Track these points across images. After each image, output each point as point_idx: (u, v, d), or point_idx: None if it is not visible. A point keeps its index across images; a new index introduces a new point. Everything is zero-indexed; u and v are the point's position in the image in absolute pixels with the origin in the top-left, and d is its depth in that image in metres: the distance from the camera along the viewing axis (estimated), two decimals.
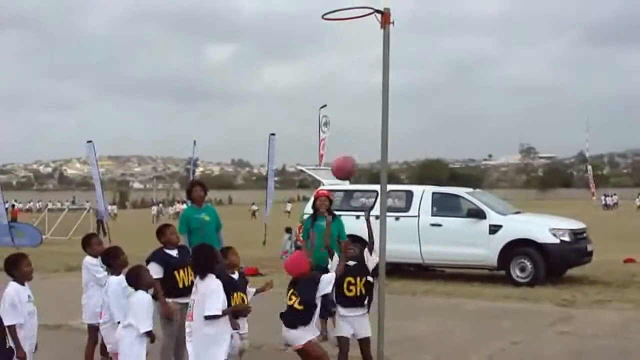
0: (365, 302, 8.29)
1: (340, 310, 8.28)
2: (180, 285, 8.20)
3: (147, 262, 8.24)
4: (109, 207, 39.25)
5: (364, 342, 8.30)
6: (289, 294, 7.72)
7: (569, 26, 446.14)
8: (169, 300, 8.15)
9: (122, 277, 7.65)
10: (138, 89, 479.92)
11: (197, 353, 6.64)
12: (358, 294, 8.19)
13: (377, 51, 8.38)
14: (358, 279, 8.21)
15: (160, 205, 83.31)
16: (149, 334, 6.97)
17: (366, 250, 8.39)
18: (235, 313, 7.30)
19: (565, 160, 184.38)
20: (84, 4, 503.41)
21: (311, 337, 7.58)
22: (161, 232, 8.54)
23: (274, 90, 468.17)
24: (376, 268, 8.37)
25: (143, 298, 7.06)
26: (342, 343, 8.27)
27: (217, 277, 6.89)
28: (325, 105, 30.96)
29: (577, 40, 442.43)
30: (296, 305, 7.59)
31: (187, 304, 7.98)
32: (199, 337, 6.64)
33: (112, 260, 7.98)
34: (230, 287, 7.53)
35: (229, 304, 7.13)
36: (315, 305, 7.60)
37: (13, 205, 52.90)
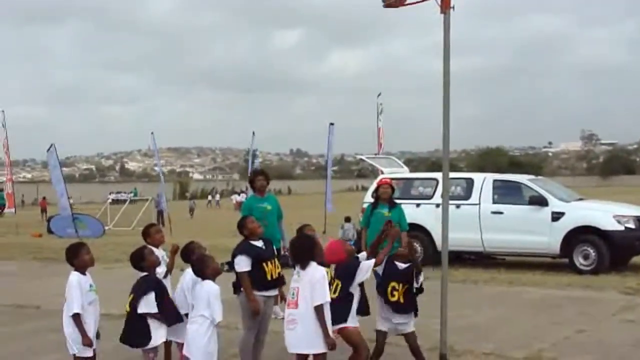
0: (406, 309, 8.09)
1: (384, 309, 8.13)
2: (269, 278, 7.96)
3: (234, 255, 8.03)
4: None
5: (409, 337, 8.16)
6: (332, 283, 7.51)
7: None
8: (256, 293, 7.90)
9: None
10: (198, 79, 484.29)
11: (302, 340, 6.67)
12: (401, 300, 8.03)
13: (440, 36, 8.31)
14: (401, 285, 8.04)
15: (215, 195, 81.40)
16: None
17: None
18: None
19: (627, 147, 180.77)
20: None
21: (350, 324, 7.34)
22: (242, 224, 8.23)
23: (333, 78, 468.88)
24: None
25: (214, 287, 6.90)
26: (379, 336, 8.15)
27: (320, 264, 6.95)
28: (380, 94, 31.03)
29: None
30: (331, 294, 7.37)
31: (271, 296, 8.09)
32: (305, 325, 6.63)
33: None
34: None
35: None
36: (351, 294, 7.39)
37: (44, 198, 54.19)
